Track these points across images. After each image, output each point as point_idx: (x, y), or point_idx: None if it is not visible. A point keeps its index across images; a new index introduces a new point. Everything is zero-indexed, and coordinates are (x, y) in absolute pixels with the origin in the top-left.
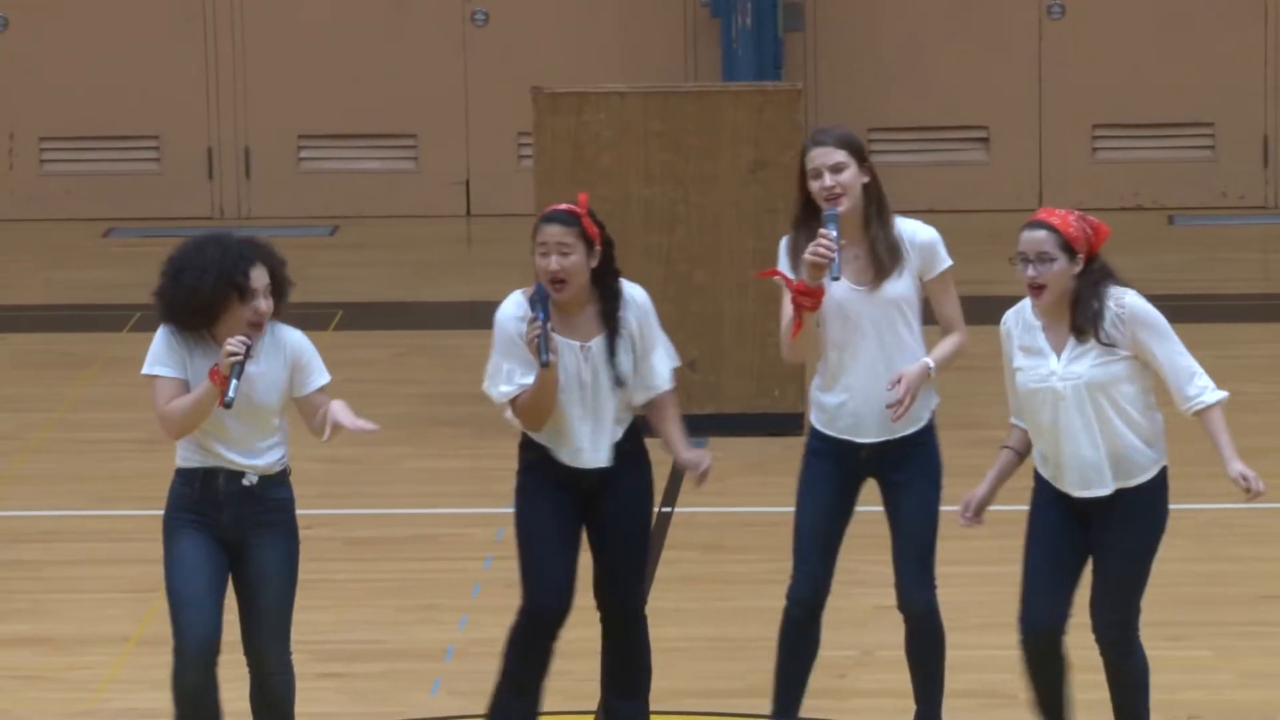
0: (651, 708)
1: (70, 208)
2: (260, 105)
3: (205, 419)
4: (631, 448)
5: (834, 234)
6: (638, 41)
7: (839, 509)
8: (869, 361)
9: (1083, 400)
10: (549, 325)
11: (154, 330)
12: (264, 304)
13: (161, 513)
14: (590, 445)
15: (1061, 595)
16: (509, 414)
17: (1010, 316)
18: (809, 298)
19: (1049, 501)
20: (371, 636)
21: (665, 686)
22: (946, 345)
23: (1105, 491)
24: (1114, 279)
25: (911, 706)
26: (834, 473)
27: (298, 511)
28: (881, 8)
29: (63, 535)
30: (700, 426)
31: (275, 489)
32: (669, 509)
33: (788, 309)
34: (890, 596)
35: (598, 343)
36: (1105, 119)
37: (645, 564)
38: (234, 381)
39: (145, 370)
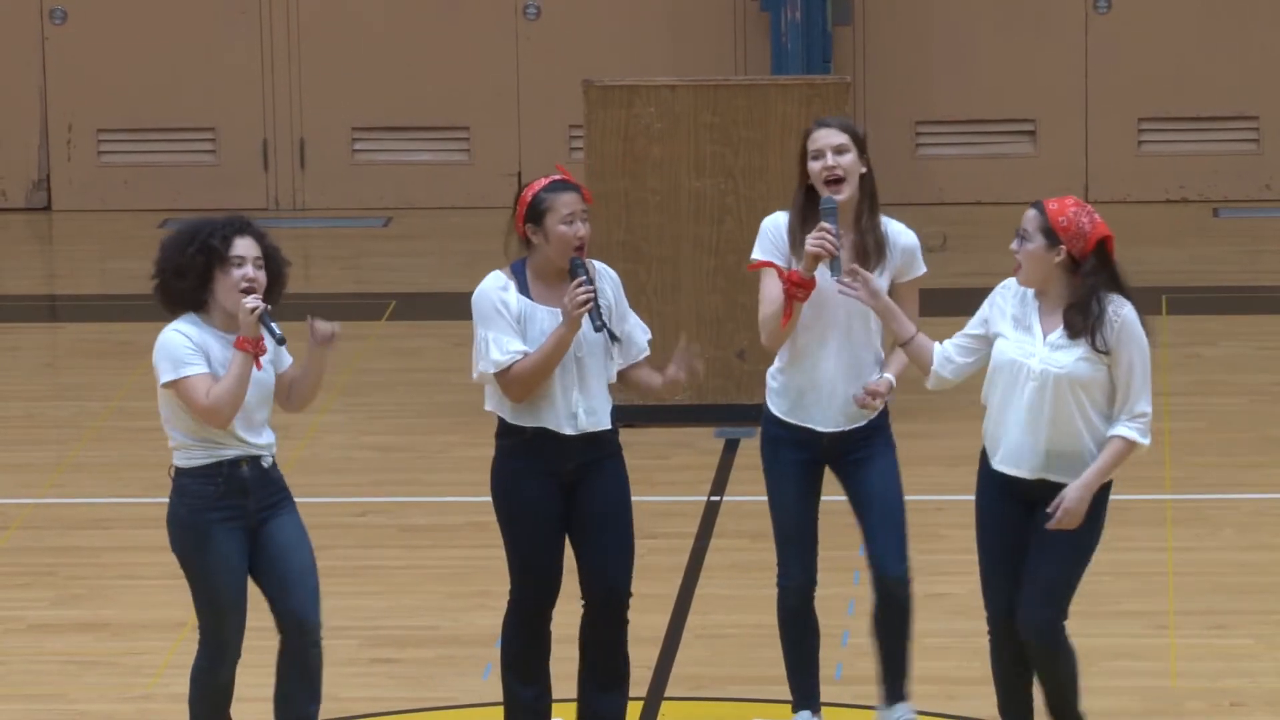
0: (700, 694)
1: (127, 199)
2: (315, 98)
3: (246, 392)
4: (612, 437)
5: (833, 226)
6: (688, 35)
7: (810, 494)
8: (836, 351)
9: (1054, 389)
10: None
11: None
12: (252, 271)
13: None
14: (584, 409)
15: (1017, 587)
16: (493, 393)
17: (1014, 283)
18: (802, 289)
19: (996, 493)
20: (424, 622)
21: (713, 673)
22: (900, 357)
23: (1029, 476)
24: (1116, 284)
25: (955, 692)
26: (798, 459)
27: (351, 499)
28: (929, 2)
29: (119, 522)
30: (749, 415)
31: (277, 467)
32: (718, 498)
33: (769, 295)
34: (926, 585)
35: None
36: (1151, 112)
37: (633, 549)
38: (273, 324)
39: (168, 378)
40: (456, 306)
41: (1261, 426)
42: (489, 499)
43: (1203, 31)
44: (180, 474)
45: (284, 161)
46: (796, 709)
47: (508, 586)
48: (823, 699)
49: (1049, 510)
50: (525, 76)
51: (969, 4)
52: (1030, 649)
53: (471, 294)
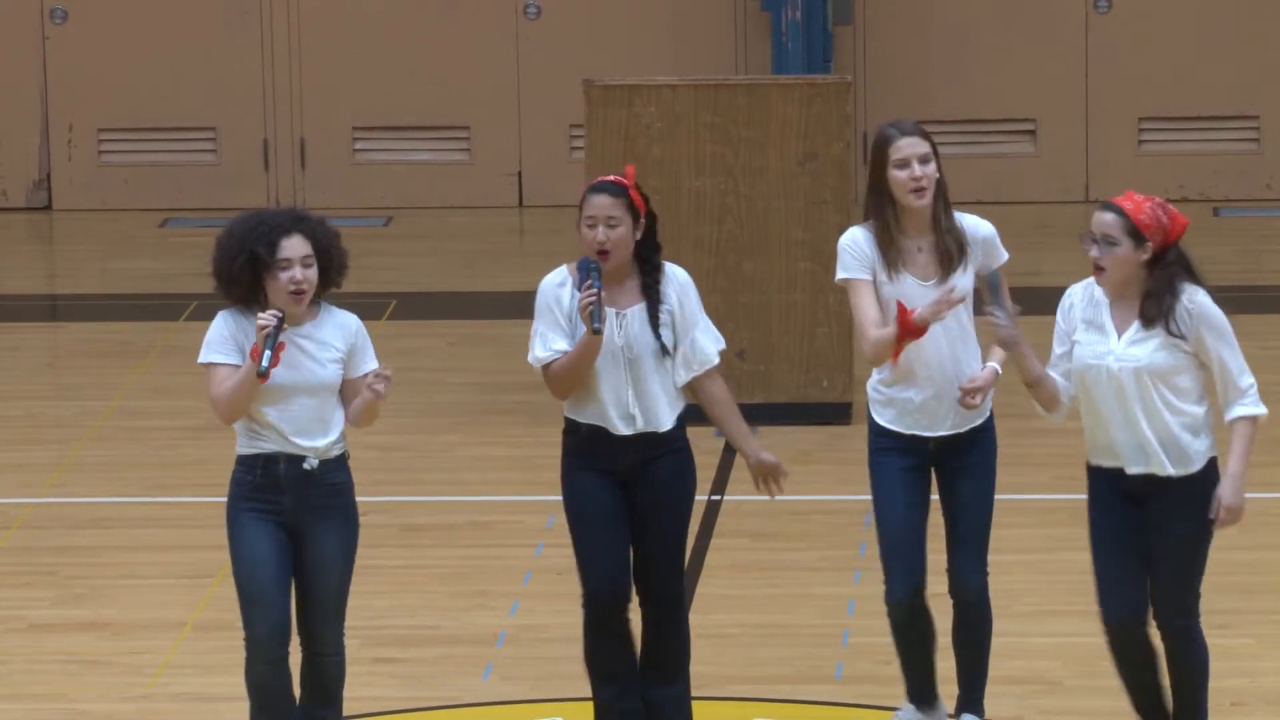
0: (702, 693)
1: (128, 198)
2: (316, 97)
3: (251, 398)
4: (672, 435)
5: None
6: (688, 35)
7: (920, 503)
8: (938, 356)
9: (1136, 384)
10: (601, 293)
11: (210, 319)
12: (300, 273)
13: (217, 500)
14: (637, 412)
15: (1136, 585)
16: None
17: (1077, 289)
18: (914, 335)
19: (1106, 496)
20: (425, 622)
21: (715, 672)
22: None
23: (1161, 472)
24: (1191, 274)
25: (956, 691)
26: (907, 468)
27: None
28: (929, 2)
29: (120, 522)
30: (749, 415)
31: (334, 473)
32: (718, 497)
33: (869, 315)
34: (936, 584)
35: (634, 311)
36: (1151, 112)
37: (681, 553)
38: (266, 353)
39: (201, 359)
40: (457, 306)
41: (1262, 426)
42: (489, 499)
43: (1203, 31)
44: (236, 459)
45: (284, 161)
46: (909, 699)
47: (507, 587)
48: (822, 699)
49: (1210, 517)
50: (525, 76)
51: (969, 4)
52: (1166, 642)
53: (471, 293)
